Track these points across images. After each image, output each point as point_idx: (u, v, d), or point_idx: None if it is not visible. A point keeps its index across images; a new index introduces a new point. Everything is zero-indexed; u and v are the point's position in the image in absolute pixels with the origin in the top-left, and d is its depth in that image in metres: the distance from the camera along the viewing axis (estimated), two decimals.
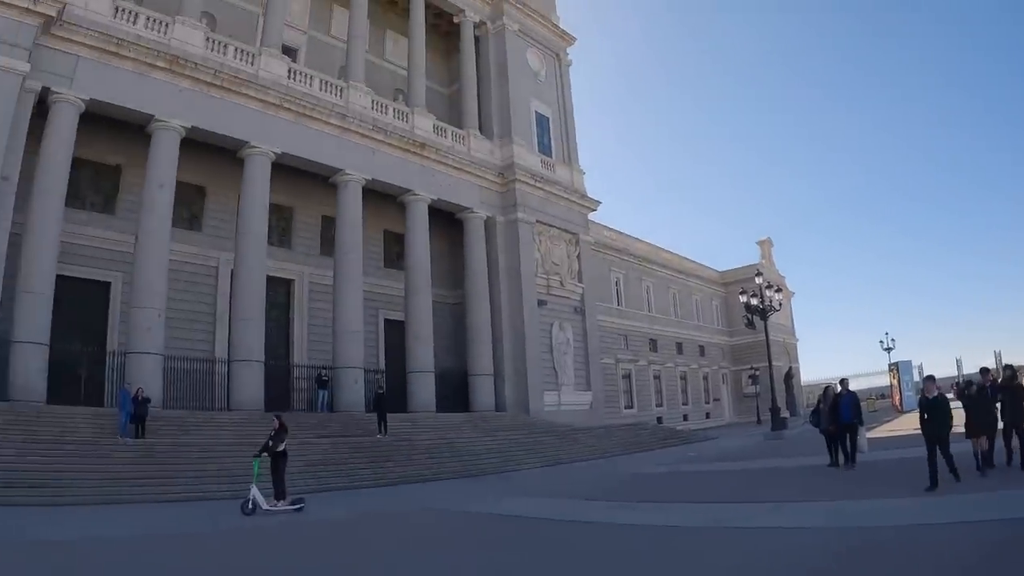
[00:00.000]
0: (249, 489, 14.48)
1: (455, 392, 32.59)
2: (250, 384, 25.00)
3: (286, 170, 28.52)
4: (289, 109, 27.76)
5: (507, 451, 26.48)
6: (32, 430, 18.83)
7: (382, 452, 23.21)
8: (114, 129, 25.18)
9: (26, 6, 21.41)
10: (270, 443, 15.01)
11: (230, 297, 26.66)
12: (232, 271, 26.68)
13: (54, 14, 22.11)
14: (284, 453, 15.20)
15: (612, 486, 18.42)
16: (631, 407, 47.61)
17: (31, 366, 20.94)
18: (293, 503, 15.05)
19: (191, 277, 27.15)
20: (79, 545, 10.71)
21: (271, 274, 27.39)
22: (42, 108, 22.80)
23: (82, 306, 24.73)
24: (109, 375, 23.79)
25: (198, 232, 28.07)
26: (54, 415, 20.28)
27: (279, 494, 15.05)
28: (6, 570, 8.99)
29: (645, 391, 49.82)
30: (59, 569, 9.06)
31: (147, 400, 20.82)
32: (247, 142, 26.60)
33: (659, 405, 50.99)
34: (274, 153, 27.09)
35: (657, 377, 51.59)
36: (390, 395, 26.81)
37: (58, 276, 22.29)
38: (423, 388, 30.22)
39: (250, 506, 14.30)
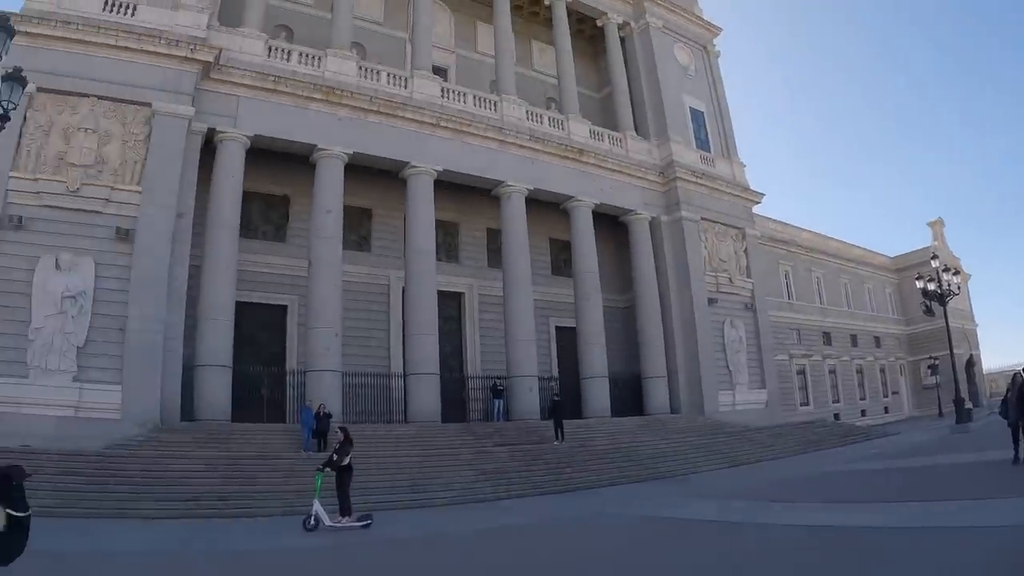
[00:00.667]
0: (311, 504, 13.53)
1: (629, 396, 30.93)
2: (426, 396, 24.67)
3: (448, 186, 28.03)
4: (446, 127, 27.29)
5: (684, 454, 24.95)
6: (219, 447, 19.48)
7: (559, 458, 22.38)
8: (279, 161, 25.76)
9: (185, 55, 22.46)
10: (335, 456, 14.01)
11: (402, 313, 26.53)
12: (403, 288, 26.55)
13: (212, 59, 23.03)
14: (349, 467, 14.18)
15: (794, 487, 17.29)
16: (807, 404, 44.00)
17: (216, 387, 21.83)
18: (360, 519, 13.86)
19: (364, 296, 27.28)
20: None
21: (441, 288, 26.90)
22: (209, 147, 23.55)
23: (261, 329, 25.62)
24: (289, 393, 24.31)
25: (367, 253, 28.26)
26: (239, 433, 20.91)
27: (344, 510, 13.98)
28: None
29: (820, 387, 45.93)
30: None
31: (328, 415, 20.96)
32: (408, 162, 26.36)
33: (835, 401, 46.90)
34: (435, 171, 26.73)
35: (832, 371, 47.59)
36: (564, 401, 25.71)
37: (237, 302, 23.13)
38: (597, 393, 28.81)
39: (312, 522, 13.37)
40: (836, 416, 43.74)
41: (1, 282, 19.47)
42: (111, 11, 22.43)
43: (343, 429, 14.74)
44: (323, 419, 20.71)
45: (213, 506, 15.91)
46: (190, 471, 17.43)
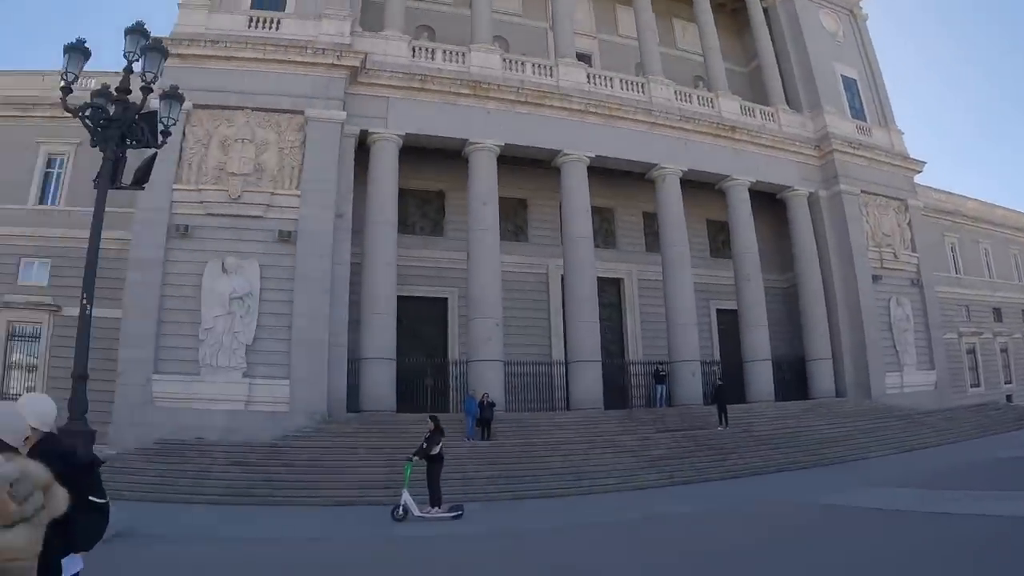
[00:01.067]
0: (400, 494, 13.42)
1: (793, 379, 29.65)
2: (588, 383, 24.58)
3: (601, 172, 27.68)
4: (595, 113, 27.00)
5: (851, 439, 23.80)
6: (384, 437, 19.97)
7: (723, 444, 21.88)
8: (432, 157, 26.27)
9: (331, 62, 23.39)
10: (424, 445, 13.73)
11: (562, 301, 26.51)
12: (562, 276, 26.53)
13: (358, 64, 23.82)
14: (440, 457, 13.93)
15: (968, 474, 16.62)
16: (977, 385, 40.78)
17: (381, 379, 22.54)
18: (451, 510, 13.60)
19: (522, 286, 27.42)
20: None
21: (599, 275, 26.58)
22: (363, 148, 24.33)
23: (423, 322, 26.29)
24: (452, 383, 24.82)
25: (524, 243, 28.41)
26: (403, 423, 21.29)
27: (434, 500, 13.74)
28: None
29: (991, 366, 42.37)
30: None
31: (492, 404, 21.29)
32: (559, 151, 26.32)
33: (1007, 382, 43.07)
34: (587, 157, 26.48)
35: (1004, 350, 43.73)
36: (726, 385, 24.95)
37: (399, 296, 23.81)
38: (760, 377, 27.83)
39: (401, 511, 13.26)
40: (1008, 398, 40.44)
41: (172, 287, 21.03)
42: (256, 27, 23.74)
43: (433, 418, 14.67)
44: (487, 408, 21.08)
45: (375, 494, 16.36)
46: (355, 460, 18.17)
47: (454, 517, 13.51)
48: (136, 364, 20.38)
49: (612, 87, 28.12)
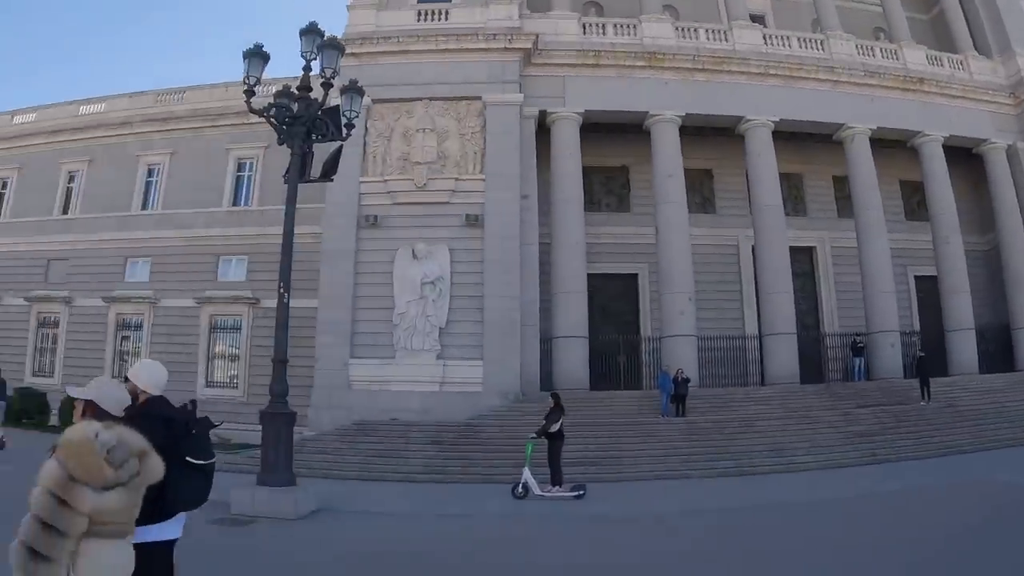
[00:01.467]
0: (522, 472, 13.33)
1: (997, 350, 27.53)
2: (783, 357, 23.87)
3: (786, 136, 26.58)
4: (775, 75, 25.91)
5: None
6: (582, 414, 19.77)
7: (928, 420, 20.72)
8: (613, 132, 26.02)
9: (503, 46, 23.70)
10: (544, 423, 13.60)
11: (754, 272, 25.84)
12: (752, 247, 25.91)
13: (530, 46, 24.00)
14: (560, 434, 13.70)
15: None
16: None
17: (573, 358, 22.75)
18: (573, 489, 13.32)
19: (712, 258, 26.80)
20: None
21: (791, 244, 25.61)
22: (544, 128, 24.53)
23: (613, 299, 26.39)
24: (645, 359, 24.70)
25: (712, 214, 27.76)
26: (597, 400, 21.63)
27: (555, 479, 13.49)
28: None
29: None
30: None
31: (687, 380, 21.08)
32: (742, 117, 25.48)
33: None
34: (771, 122, 25.50)
35: None
36: (928, 357, 23.65)
37: (588, 274, 23.91)
38: (963, 347, 26.00)
39: (520, 489, 13.18)
40: None
41: (364, 275, 22.01)
42: (425, 19, 24.37)
43: (554, 395, 14.57)
44: (681, 384, 20.90)
45: (587, 469, 16.48)
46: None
47: (576, 497, 13.48)
48: (333, 350, 21.59)
49: (790, 46, 26.89)
